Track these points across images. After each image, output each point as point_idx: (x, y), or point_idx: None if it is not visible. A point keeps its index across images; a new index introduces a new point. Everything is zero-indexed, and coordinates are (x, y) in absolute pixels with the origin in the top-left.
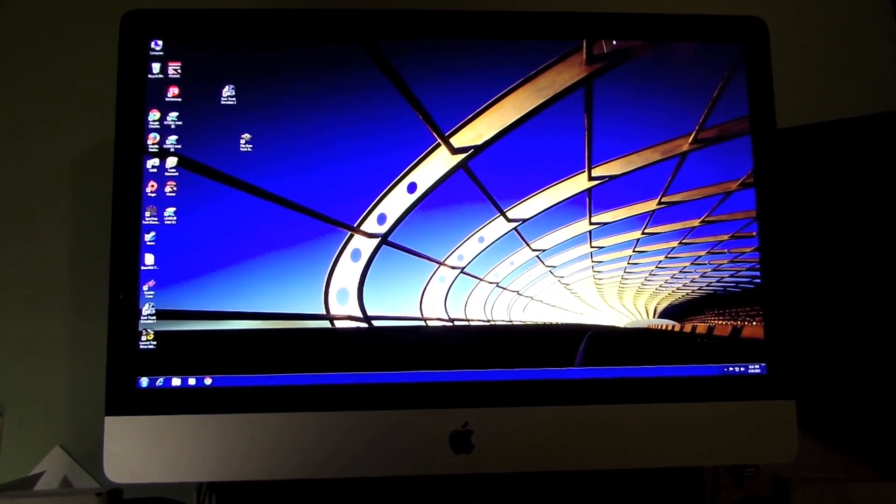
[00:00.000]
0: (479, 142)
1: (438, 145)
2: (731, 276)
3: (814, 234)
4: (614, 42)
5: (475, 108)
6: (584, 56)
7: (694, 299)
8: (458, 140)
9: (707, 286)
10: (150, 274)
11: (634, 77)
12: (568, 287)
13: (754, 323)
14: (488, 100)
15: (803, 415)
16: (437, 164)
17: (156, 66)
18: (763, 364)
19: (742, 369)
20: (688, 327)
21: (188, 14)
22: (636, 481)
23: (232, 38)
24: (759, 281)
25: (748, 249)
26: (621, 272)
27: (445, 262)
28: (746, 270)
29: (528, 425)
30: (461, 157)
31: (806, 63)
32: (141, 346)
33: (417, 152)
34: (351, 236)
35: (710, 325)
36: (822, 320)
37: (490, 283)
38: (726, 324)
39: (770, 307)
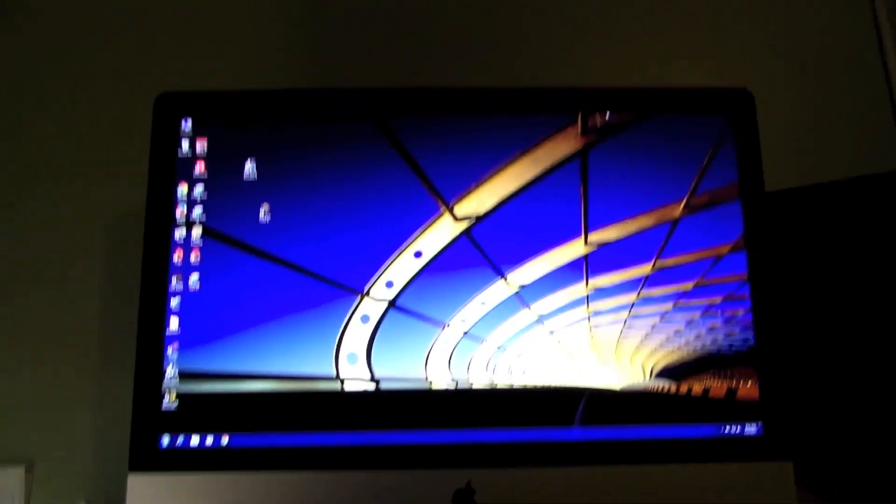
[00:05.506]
0: (481, 210)
1: (443, 214)
2: (725, 337)
3: (806, 295)
4: (608, 115)
5: (477, 178)
6: (580, 128)
7: (690, 360)
8: (461, 209)
9: (702, 347)
10: (174, 337)
11: (627, 147)
12: (567, 349)
13: (749, 384)
14: (490, 170)
15: (803, 472)
16: (441, 232)
17: (185, 144)
18: (759, 424)
19: (738, 429)
20: (684, 388)
21: (215, 95)
22: None
23: (255, 116)
24: (752, 342)
25: (741, 311)
26: (618, 334)
27: (449, 325)
28: (740, 331)
29: (529, 484)
30: (464, 224)
31: (795, 126)
32: (164, 406)
33: (423, 220)
34: (361, 301)
35: (705, 386)
36: (819, 379)
37: (492, 344)
38: (722, 384)
39: (764, 368)
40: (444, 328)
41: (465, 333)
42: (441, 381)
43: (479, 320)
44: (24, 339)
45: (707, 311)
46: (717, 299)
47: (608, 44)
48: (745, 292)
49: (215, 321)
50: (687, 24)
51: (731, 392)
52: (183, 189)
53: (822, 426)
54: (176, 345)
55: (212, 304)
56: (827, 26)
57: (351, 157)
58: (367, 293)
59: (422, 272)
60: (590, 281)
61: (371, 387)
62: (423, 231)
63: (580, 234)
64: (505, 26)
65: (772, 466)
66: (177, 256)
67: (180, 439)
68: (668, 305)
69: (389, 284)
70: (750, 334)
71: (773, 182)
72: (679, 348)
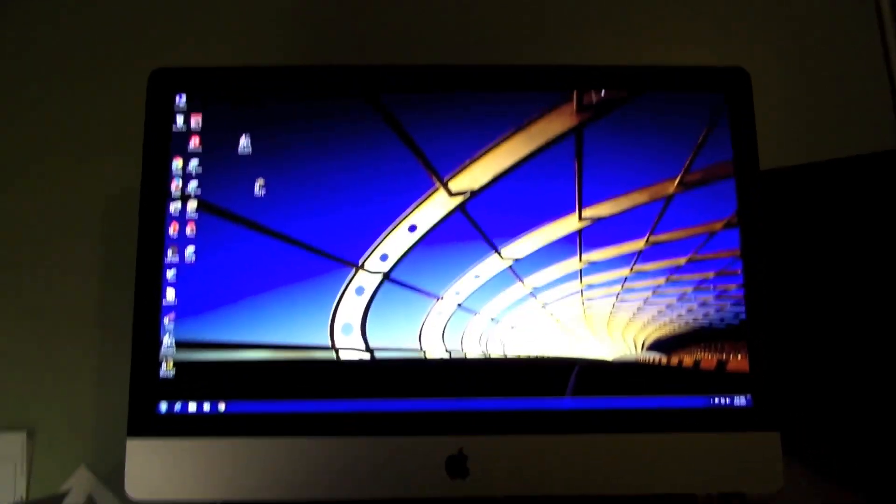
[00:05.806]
0: (476, 186)
1: (437, 189)
2: (717, 311)
3: (798, 271)
4: (602, 92)
5: (472, 154)
6: (575, 106)
7: (681, 333)
8: (455, 184)
9: (693, 321)
10: (170, 307)
11: (622, 125)
12: (559, 321)
13: (739, 357)
14: (484, 147)
15: (790, 443)
16: (435, 207)
17: (180, 119)
18: (748, 396)
19: (728, 401)
20: (675, 360)
21: (210, 72)
22: None
23: (248, 92)
24: (743, 317)
25: (733, 286)
26: (611, 307)
27: (443, 297)
28: (731, 306)
29: (521, 452)
30: (459, 199)
31: (791, 105)
32: (161, 374)
33: (418, 195)
34: (355, 273)
35: (696, 359)
36: (808, 353)
37: (485, 317)
38: (712, 357)
39: (754, 342)
40: (438, 300)
41: (459, 306)
42: (435, 351)
43: (473, 293)
44: (26, 310)
45: (699, 285)
46: (710, 274)
47: (605, 26)
48: (738, 268)
49: (211, 292)
50: (684, 3)
51: (722, 364)
52: (178, 163)
53: (810, 398)
54: (172, 315)
55: (207, 275)
56: (824, 3)
57: (346, 132)
58: (362, 266)
59: (416, 246)
60: (583, 255)
61: (366, 356)
62: (418, 206)
63: (574, 210)
64: (506, 10)
65: (760, 436)
66: (172, 229)
67: (178, 405)
68: (661, 280)
69: (384, 257)
70: (741, 309)
71: (769, 160)
72: (671, 322)
